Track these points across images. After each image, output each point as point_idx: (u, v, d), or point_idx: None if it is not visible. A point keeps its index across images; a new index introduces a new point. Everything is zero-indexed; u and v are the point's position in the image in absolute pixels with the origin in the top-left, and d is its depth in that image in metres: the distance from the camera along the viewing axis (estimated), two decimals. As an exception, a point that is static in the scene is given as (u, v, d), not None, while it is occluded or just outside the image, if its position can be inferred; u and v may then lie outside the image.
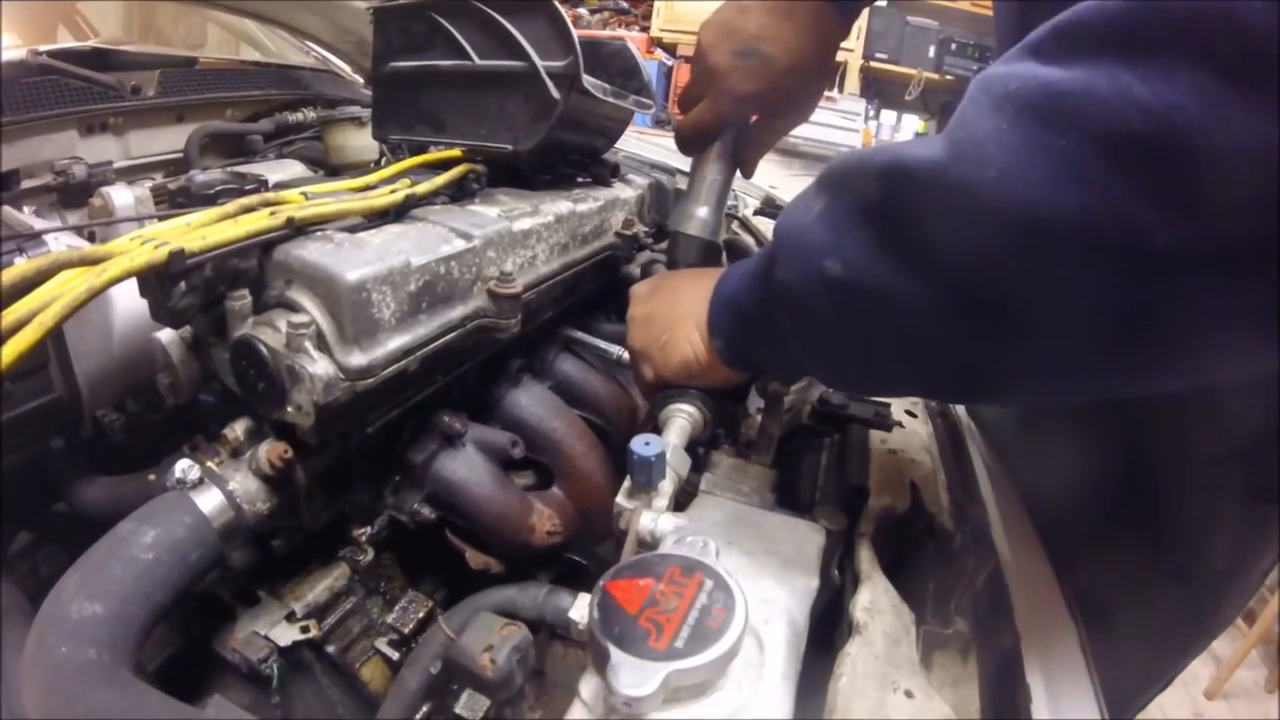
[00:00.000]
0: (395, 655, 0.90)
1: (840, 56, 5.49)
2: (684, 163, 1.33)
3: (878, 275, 0.60)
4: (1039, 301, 0.53)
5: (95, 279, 0.65)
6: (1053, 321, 0.53)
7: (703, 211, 1.05)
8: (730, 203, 1.33)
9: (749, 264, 0.80)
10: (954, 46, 5.25)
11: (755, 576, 0.65)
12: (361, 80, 2.02)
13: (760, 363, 0.84)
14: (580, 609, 0.62)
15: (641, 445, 0.72)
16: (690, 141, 1.06)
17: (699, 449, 1.01)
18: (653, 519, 0.70)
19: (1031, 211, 0.49)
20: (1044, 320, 0.54)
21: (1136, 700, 1.17)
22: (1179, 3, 0.44)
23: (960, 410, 1.26)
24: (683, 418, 0.87)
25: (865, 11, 5.38)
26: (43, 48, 1.31)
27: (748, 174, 1.11)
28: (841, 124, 4.79)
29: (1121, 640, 0.95)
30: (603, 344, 1.14)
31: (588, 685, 0.53)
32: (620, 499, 0.76)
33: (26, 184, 1.19)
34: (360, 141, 1.44)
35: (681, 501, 0.82)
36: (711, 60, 0.97)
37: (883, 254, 0.60)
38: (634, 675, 0.47)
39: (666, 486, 0.77)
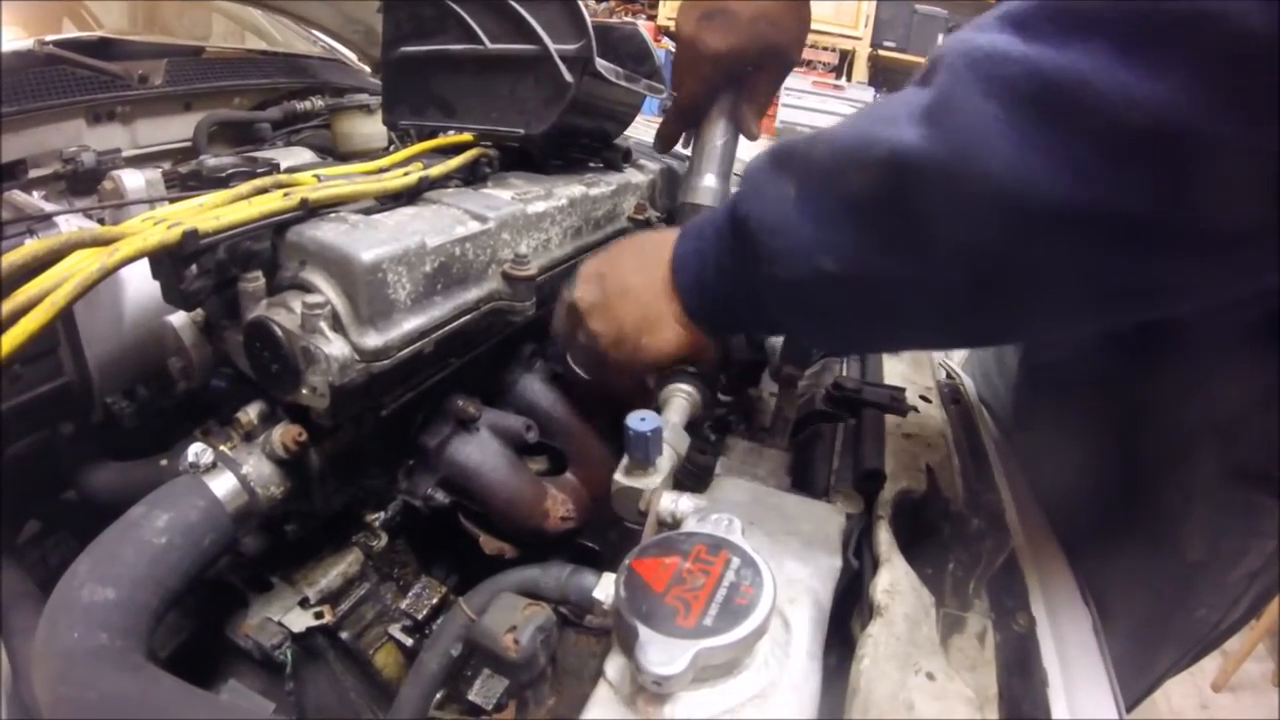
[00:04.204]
0: (409, 641, 0.90)
1: (848, 45, 5.50)
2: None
3: (876, 269, 0.62)
4: (1039, 276, 0.57)
5: (108, 258, 0.64)
6: (1050, 290, 0.58)
7: (709, 180, 1.04)
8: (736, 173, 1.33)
9: (708, 248, 0.80)
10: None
11: (779, 556, 0.64)
12: (369, 69, 2.02)
13: (752, 331, 0.90)
14: (605, 588, 0.62)
15: (637, 421, 0.72)
16: (685, 115, 1.07)
17: (710, 434, 1.01)
18: (673, 500, 0.69)
19: (1038, 202, 0.51)
20: (1042, 290, 0.58)
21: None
22: (1176, 2, 0.45)
23: (973, 395, 1.26)
24: (682, 397, 0.88)
25: (873, 0, 5.40)
26: (49, 37, 1.31)
27: (750, 135, 1.12)
28: (849, 113, 4.79)
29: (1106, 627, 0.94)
30: None
31: (613, 664, 0.52)
32: (618, 475, 0.75)
33: (34, 173, 1.19)
34: (368, 129, 1.43)
35: (697, 486, 0.82)
36: (684, 32, 1.02)
37: (882, 250, 0.61)
38: (663, 653, 0.46)
39: (664, 463, 0.76)
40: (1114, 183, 0.48)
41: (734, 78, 1.06)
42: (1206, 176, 0.46)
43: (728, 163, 1.07)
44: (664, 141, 1.22)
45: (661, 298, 0.84)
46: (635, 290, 0.86)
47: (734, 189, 0.92)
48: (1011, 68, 0.51)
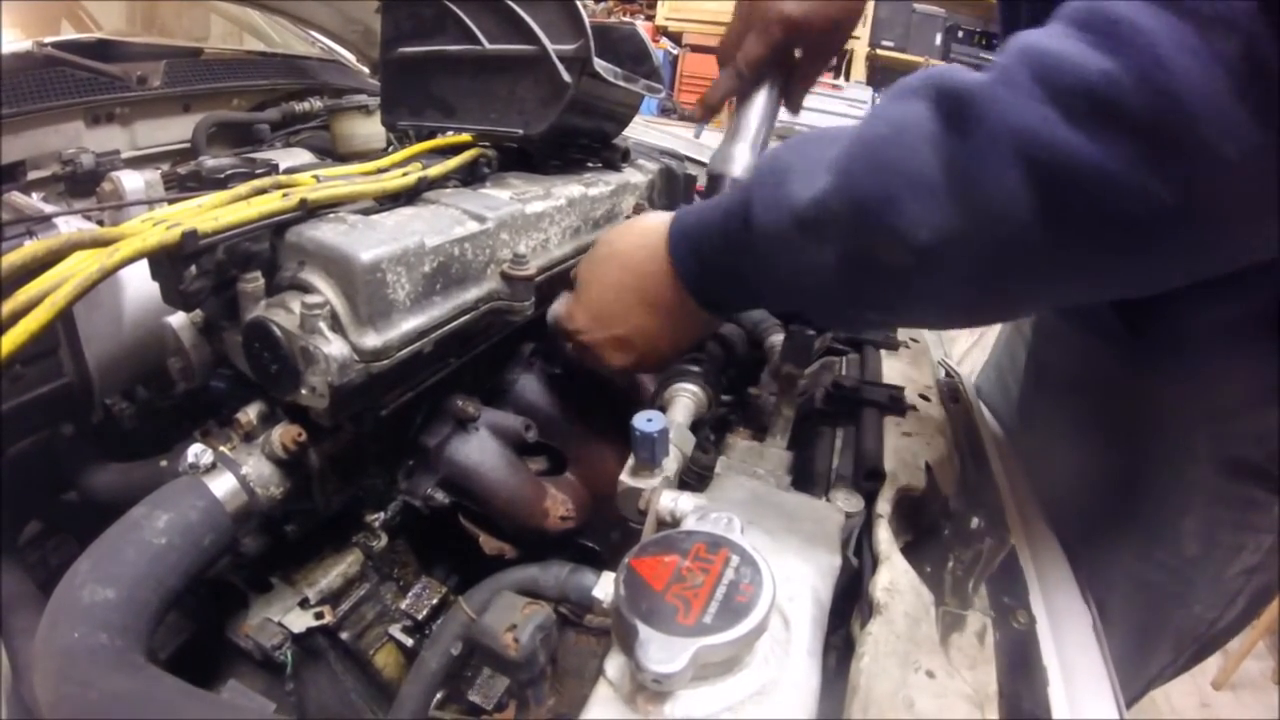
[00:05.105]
0: (409, 642, 0.90)
1: (846, 44, 5.49)
2: (691, 150, 1.32)
3: (903, 313, 0.74)
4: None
5: (107, 259, 0.64)
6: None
7: (743, 151, 1.01)
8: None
9: (713, 258, 0.80)
10: (960, 34, 5.26)
11: (778, 554, 0.64)
12: (367, 70, 2.02)
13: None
14: (605, 587, 0.62)
15: (644, 421, 0.72)
16: (742, 78, 1.04)
17: (711, 433, 1.00)
18: (673, 498, 0.69)
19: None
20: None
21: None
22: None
23: (972, 394, 1.26)
24: (687, 397, 0.88)
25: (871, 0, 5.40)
26: (48, 39, 1.30)
27: (795, 109, 1.10)
28: (848, 112, 4.79)
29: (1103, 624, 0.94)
30: None
31: (613, 663, 0.52)
32: (624, 476, 0.76)
33: (34, 175, 1.19)
34: (367, 130, 1.43)
35: (698, 485, 0.82)
36: None
37: (905, 302, 0.67)
38: (663, 651, 0.46)
39: (670, 463, 0.77)
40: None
41: (789, 48, 1.04)
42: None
43: (764, 136, 1.04)
44: (708, 109, 1.15)
45: (662, 308, 0.84)
46: (634, 310, 0.86)
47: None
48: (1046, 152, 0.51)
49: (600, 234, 1.10)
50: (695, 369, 0.91)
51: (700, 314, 0.84)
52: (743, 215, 0.72)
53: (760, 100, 1.03)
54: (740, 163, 1.00)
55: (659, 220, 0.86)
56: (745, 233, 0.71)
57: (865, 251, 0.63)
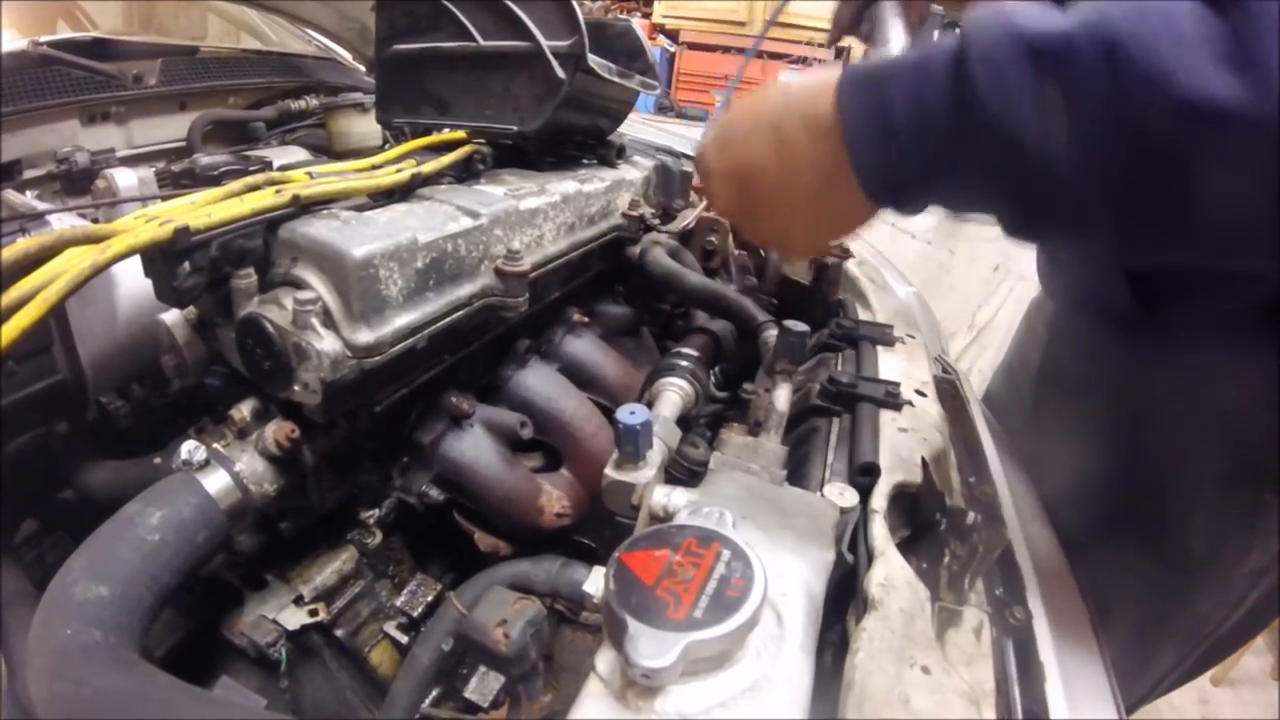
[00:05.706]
0: (404, 639, 0.90)
1: (843, 41, 5.49)
2: (688, 148, 1.32)
3: (1143, 207, 0.56)
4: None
5: (100, 255, 0.64)
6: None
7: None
8: None
9: (901, 111, 0.63)
10: (958, 31, 5.24)
11: (771, 549, 0.64)
12: (363, 68, 2.01)
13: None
14: (595, 582, 0.61)
15: (627, 414, 0.72)
16: None
17: (705, 429, 1.00)
18: (666, 493, 0.69)
19: None
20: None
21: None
22: None
23: (969, 391, 1.25)
24: (674, 391, 0.88)
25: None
26: (44, 38, 1.30)
27: (919, 14, 1.10)
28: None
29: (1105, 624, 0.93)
30: None
31: (604, 659, 0.52)
32: (608, 469, 0.76)
33: (29, 173, 1.19)
34: (363, 128, 1.43)
35: (690, 480, 0.82)
36: None
37: (1154, 194, 0.55)
38: (653, 646, 0.46)
39: (654, 456, 0.77)
40: None
41: None
42: None
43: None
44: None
45: (798, 150, 0.68)
46: (765, 143, 0.70)
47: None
48: None
49: (594, 230, 1.10)
50: (683, 364, 0.91)
51: (844, 175, 0.66)
52: (953, 54, 0.59)
53: (888, 10, 1.01)
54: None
55: (834, 71, 0.68)
56: (956, 68, 0.59)
57: (1117, 104, 0.51)
